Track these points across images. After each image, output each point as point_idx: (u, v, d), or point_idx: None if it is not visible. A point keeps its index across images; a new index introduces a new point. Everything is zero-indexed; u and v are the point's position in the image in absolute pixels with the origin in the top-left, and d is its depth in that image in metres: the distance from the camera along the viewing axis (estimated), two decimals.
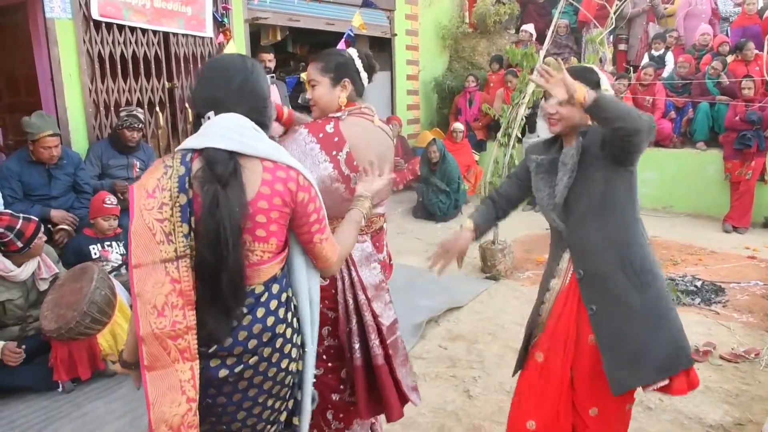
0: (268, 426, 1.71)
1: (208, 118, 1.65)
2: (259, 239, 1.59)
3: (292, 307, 1.72)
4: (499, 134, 5.60)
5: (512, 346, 3.80)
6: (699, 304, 4.67)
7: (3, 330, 3.46)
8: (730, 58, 7.94)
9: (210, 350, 1.57)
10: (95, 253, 4.08)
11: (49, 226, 4.18)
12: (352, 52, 2.35)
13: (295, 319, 1.72)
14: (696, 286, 4.95)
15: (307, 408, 1.80)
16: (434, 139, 7.65)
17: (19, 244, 3.37)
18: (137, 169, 4.83)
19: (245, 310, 1.60)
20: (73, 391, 3.45)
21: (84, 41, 4.86)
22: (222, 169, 1.54)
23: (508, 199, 2.45)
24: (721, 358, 3.76)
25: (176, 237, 1.53)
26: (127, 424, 3.13)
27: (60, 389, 3.44)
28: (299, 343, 1.74)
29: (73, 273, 3.57)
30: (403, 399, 2.33)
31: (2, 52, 5.31)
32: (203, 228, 1.52)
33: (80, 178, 4.46)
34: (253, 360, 1.60)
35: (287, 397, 1.73)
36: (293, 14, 6.84)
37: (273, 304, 1.64)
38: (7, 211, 3.59)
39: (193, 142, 1.61)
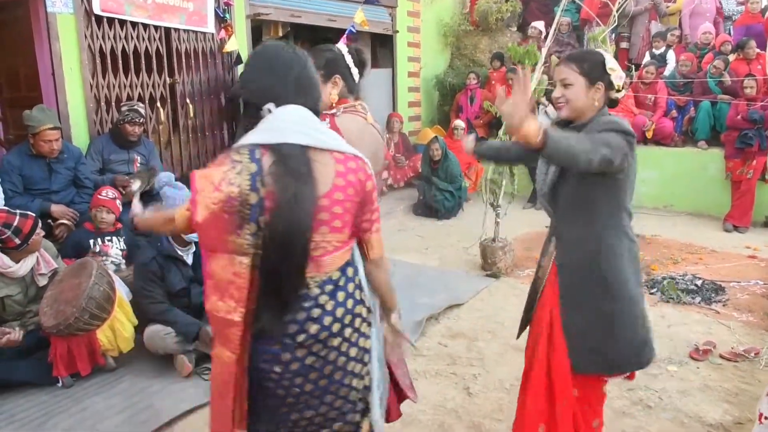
0: (350, 405, 1.77)
1: (269, 111, 1.63)
2: (335, 230, 1.64)
3: (364, 287, 1.78)
4: (500, 131, 5.58)
5: (512, 344, 3.79)
6: (699, 303, 4.66)
7: (3, 326, 3.46)
8: (732, 57, 7.92)
9: (298, 340, 1.62)
10: (95, 248, 4.07)
11: (49, 220, 4.18)
12: (342, 47, 2.31)
13: (367, 299, 1.78)
14: (696, 285, 4.94)
15: (381, 385, 1.86)
16: (436, 137, 7.61)
17: (17, 241, 3.37)
18: (138, 164, 4.83)
19: (327, 297, 1.65)
20: (73, 386, 3.45)
21: (85, 36, 4.85)
22: (298, 165, 1.56)
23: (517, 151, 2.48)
24: (721, 357, 3.76)
25: (243, 234, 1.55)
26: (126, 419, 3.13)
27: (59, 384, 3.43)
28: (370, 322, 1.79)
29: (72, 269, 3.57)
30: (401, 398, 2.33)
31: (3, 47, 5.30)
32: (277, 224, 1.54)
33: (81, 172, 4.46)
34: (337, 342, 1.67)
35: (364, 375, 1.79)
36: (295, 10, 6.83)
37: (350, 286, 1.71)
38: (3, 208, 3.59)
39: (261, 136, 1.60)
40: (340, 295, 1.67)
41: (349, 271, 1.72)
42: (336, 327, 1.65)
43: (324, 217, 1.60)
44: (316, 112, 1.70)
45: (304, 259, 1.58)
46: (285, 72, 1.66)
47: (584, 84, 2.10)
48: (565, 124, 2.22)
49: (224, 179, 1.54)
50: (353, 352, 1.71)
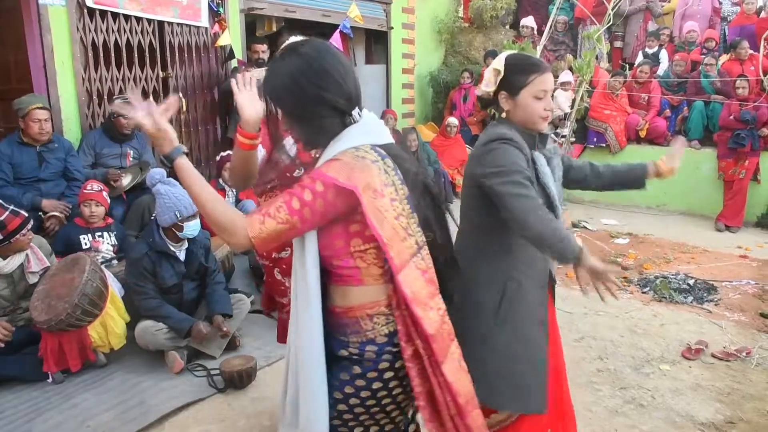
0: None
1: (359, 114, 1.63)
2: None
3: None
4: None
5: None
6: (691, 302, 4.68)
7: None
8: (724, 57, 7.95)
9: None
10: (86, 244, 4.04)
11: (40, 213, 4.15)
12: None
13: None
14: (688, 285, 4.96)
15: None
16: (413, 128, 7.78)
17: None
18: (131, 158, 4.79)
19: None
20: (63, 382, 3.42)
21: (77, 29, 4.80)
22: (409, 158, 1.64)
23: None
24: (713, 356, 3.77)
25: (412, 228, 1.57)
26: (117, 416, 3.11)
27: (49, 380, 3.41)
28: None
29: (64, 264, 3.53)
30: None
31: None
32: (427, 213, 1.65)
33: (71, 164, 4.42)
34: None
35: None
36: (289, 5, 6.78)
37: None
38: None
39: (368, 138, 1.61)
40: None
41: None
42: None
43: None
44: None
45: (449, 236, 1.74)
46: (353, 74, 1.65)
47: None
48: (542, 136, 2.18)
49: (381, 183, 1.52)
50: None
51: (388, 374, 1.62)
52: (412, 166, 1.62)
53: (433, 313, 1.56)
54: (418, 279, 1.55)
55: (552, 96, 2.17)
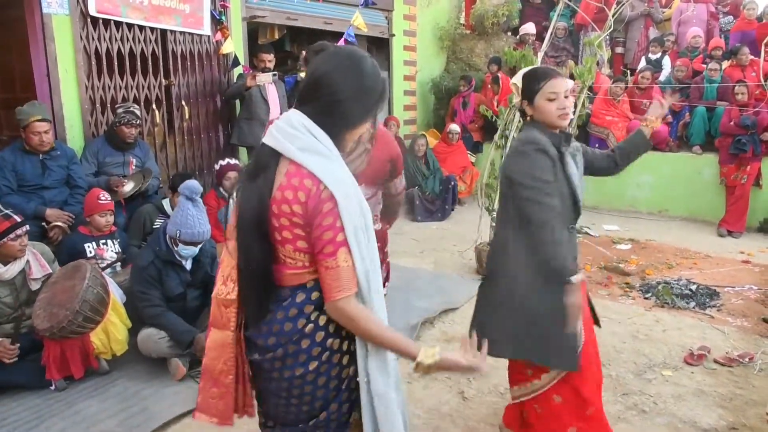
0: (303, 418, 1.70)
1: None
2: (280, 242, 1.59)
3: (321, 323, 1.62)
4: (496, 136, 5.59)
5: None
6: (694, 307, 4.67)
7: None
8: (726, 63, 7.96)
9: (246, 333, 1.73)
10: (90, 251, 4.05)
11: (43, 223, 4.16)
12: (335, 45, 2.26)
13: (322, 336, 1.62)
14: (691, 290, 4.95)
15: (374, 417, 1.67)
16: (423, 134, 7.93)
17: None
18: (133, 166, 4.81)
19: (272, 308, 1.63)
20: (66, 389, 3.42)
21: (81, 37, 4.84)
22: (254, 166, 1.62)
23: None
24: (716, 362, 3.77)
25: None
26: (119, 423, 3.11)
27: (52, 387, 3.41)
28: (326, 360, 1.63)
29: (65, 271, 3.54)
30: None
31: None
32: (241, 212, 1.64)
33: (74, 172, 4.44)
34: (271, 356, 1.64)
35: (312, 402, 1.66)
36: (291, 13, 6.82)
37: (292, 311, 1.60)
38: None
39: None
40: (279, 314, 1.61)
41: (299, 296, 1.60)
42: (271, 341, 1.63)
43: (274, 224, 1.57)
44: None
45: (262, 253, 1.61)
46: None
47: None
48: (566, 136, 2.48)
49: None
50: (287, 374, 1.63)
51: None
52: (244, 173, 1.67)
53: (220, 287, 1.76)
54: (227, 259, 1.74)
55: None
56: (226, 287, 1.71)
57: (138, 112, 4.80)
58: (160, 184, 5.08)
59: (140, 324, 3.67)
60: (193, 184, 3.60)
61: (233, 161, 5.14)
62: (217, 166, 5.21)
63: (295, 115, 1.57)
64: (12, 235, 3.34)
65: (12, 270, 3.44)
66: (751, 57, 7.67)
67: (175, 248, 3.62)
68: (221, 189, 5.06)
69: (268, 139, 1.59)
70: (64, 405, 3.28)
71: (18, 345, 3.35)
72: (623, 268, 5.57)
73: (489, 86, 8.58)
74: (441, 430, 3.07)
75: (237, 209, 1.62)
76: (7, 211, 3.40)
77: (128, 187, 4.63)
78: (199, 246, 3.67)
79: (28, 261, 3.52)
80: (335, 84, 1.56)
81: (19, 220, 3.41)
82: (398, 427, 1.65)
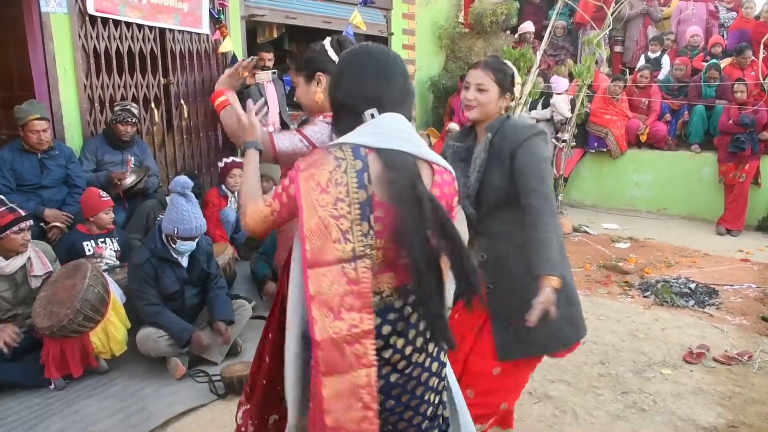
0: (428, 422, 1.69)
1: (372, 115, 1.60)
2: None
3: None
4: None
5: None
6: (693, 306, 4.68)
7: None
8: (725, 62, 7.96)
9: (384, 357, 1.56)
10: (89, 250, 4.05)
11: (42, 223, 4.16)
12: (325, 42, 2.23)
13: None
14: (690, 289, 4.96)
15: (457, 396, 1.81)
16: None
17: None
18: (131, 165, 4.81)
19: (410, 309, 1.60)
20: (65, 388, 3.42)
21: (79, 36, 4.82)
22: (410, 171, 1.54)
23: None
24: (715, 360, 3.77)
25: (354, 235, 1.49)
26: (119, 422, 3.11)
27: (51, 386, 3.41)
28: None
29: (66, 270, 3.54)
30: None
31: None
32: (406, 223, 1.50)
33: (72, 171, 4.43)
34: (420, 357, 1.61)
35: (441, 389, 1.73)
36: (290, 12, 6.81)
37: None
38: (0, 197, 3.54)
39: (364, 138, 1.56)
40: (420, 308, 1.61)
41: None
42: (419, 341, 1.60)
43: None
44: (410, 120, 1.69)
45: (438, 259, 1.56)
46: (390, 79, 1.64)
47: (497, 91, 2.29)
48: (470, 129, 2.41)
49: (330, 180, 1.49)
50: (434, 366, 1.66)
51: None
52: (405, 179, 1.52)
53: (338, 324, 1.47)
54: (336, 284, 1.48)
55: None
56: (343, 321, 1.48)
57: (134, 110, 4.79)
58: (159, 182, 5.07)
59: (139, 323, 3.67)
60: (184, 179, 3.64)
61: (239, 159, 5.15)
62: (221, 164, 5.24)
63: (407, 121, 1.64)
64: (15, 228, 3.35)
65: (13, 265, 3.44)
66: (751, 58, 7.67)
67: (173, 245, 3.63)
68: (224, 187, 5.06)
69: (407, 147, 1.58)
70: (63, 404, 3.28)
71: (20, 338, 3.34)
72: (622, 267, 5.57)
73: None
74: None
75: (400, 215, 1.50)
76: (12, 205, 3.41)
77: (129, 179, 4.61)
78: (196, 240, 3.68)
79: (29, 257, 3.52)
80: (413, 89, 1.75)
81: (23, 213, 3.43)
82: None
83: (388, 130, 1.57)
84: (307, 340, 1.60)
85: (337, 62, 1.70)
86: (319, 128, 2.07)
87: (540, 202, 2.12)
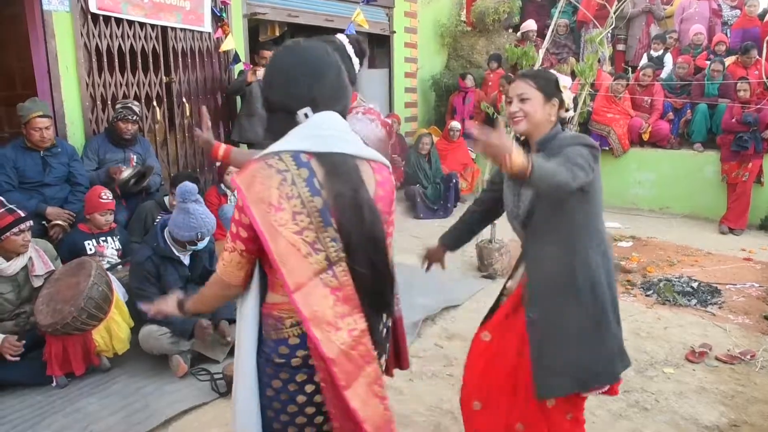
0: None
1: (306, 115, 1.54)
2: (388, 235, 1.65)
3: None
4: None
5: None
6: (695, 305, 4.67)
7: None
8: (729, 60, 7.94)
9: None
10: (90, 249, 4.05)
11: (44, 222, 4.16)
12: (342, 38, 2.21)
13: None
14: (692, 288, 4.95)
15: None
16: (428, 133, 7.88)
17: None
18: (134, 163, 4.80)
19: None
20: (67, 386, 3.43)
21: (81, 34, 4.83)
22: (351, 174, 1.50)
23: (485, 208, 2.64)
24: (717, 359, 3.76)
25: (323, 243, 1.46)
26: (121, 420, 3.11)
27: (53, 384, 3.41)
28: None
29: (69, 267, 3.54)
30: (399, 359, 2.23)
31: None
32: (350, 235, 1.47)
33: (75, 169, 4.44)
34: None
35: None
36: (292, 10, 6.81)
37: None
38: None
39: (304, 143, 1.50)
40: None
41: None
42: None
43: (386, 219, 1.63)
44: (344, 117, 1.63)
45: (387, 259, 1.58)
46: (324, 76, 1.57)
47: (541, 99, 2.14)
48: (523, 142, 2.26)
49: (281, 195, 1.43)
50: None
51: (309, 387, 1.55)
52: (347, 187, 1.48)
53: (340, 335, 1.46)
54: (324, 298, 1.46)
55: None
56: (342, 331, 1.48)
57: (136, 109, 4.79)
58: (161, 181, 5.07)
59: (141, 322, 3.67)
60: (191, 186, 3.60)
61: None
62: (218, 163, 5.22)
63: (342, 120, 1.60)
64: (15, 230, 3.34)
65: (14, 266, 3.43)
66: (756, 57, 7.64)
67: (192, 246, 3.64)
68: (222, 185, 5.06)
69: (346, 147, 1.54)
70: (65, 402, 3.29)
71: (23, 342, 3.34)
72: (625, 266, 5.56)
73: (500, 87, 8.39)
74: (442, 427, 3.06)
75: (354, 227, 1.48)
76: (11, 206, 3.40)
77: (126, 173, 4.59)
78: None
79: (30, 257, 3.51)
80: (348, 84, 1.67)
81: (23, 215, 3.41)
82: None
83: (326, 131, 1.52)
84: (267, 357, 1.57)
85: (268, 61, 1.64)
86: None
87: (567, 166, 1.91)
